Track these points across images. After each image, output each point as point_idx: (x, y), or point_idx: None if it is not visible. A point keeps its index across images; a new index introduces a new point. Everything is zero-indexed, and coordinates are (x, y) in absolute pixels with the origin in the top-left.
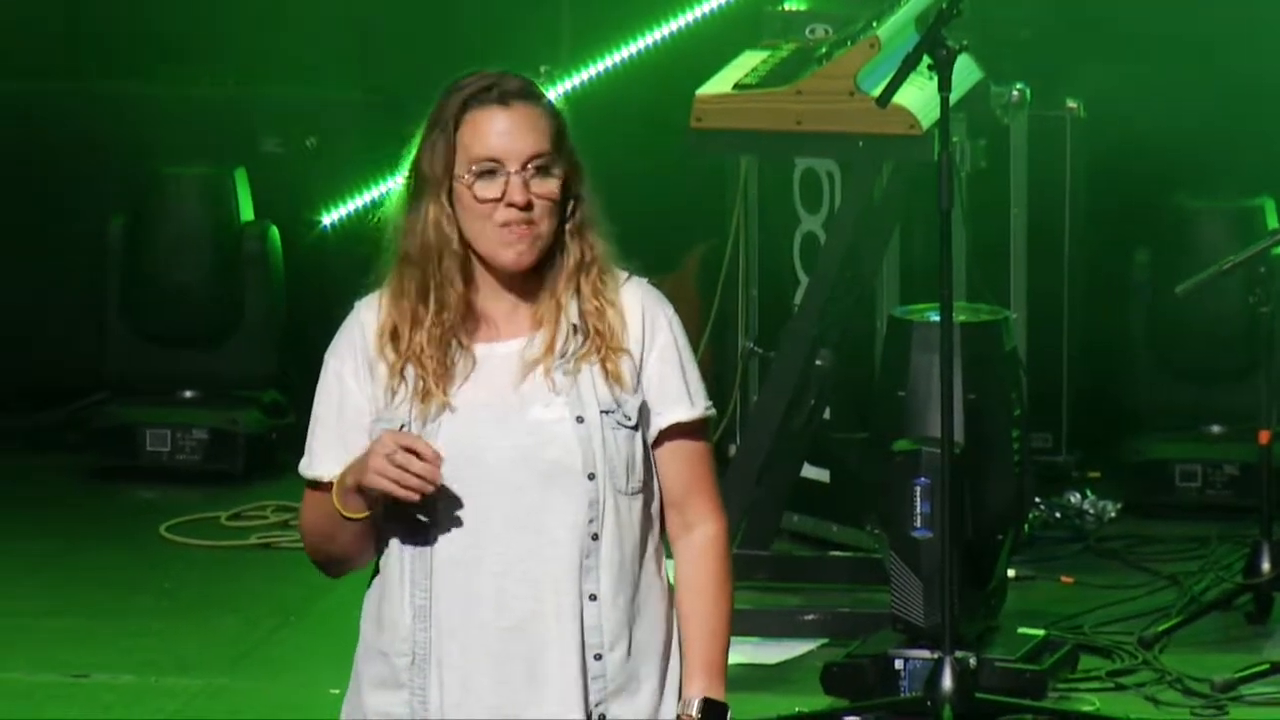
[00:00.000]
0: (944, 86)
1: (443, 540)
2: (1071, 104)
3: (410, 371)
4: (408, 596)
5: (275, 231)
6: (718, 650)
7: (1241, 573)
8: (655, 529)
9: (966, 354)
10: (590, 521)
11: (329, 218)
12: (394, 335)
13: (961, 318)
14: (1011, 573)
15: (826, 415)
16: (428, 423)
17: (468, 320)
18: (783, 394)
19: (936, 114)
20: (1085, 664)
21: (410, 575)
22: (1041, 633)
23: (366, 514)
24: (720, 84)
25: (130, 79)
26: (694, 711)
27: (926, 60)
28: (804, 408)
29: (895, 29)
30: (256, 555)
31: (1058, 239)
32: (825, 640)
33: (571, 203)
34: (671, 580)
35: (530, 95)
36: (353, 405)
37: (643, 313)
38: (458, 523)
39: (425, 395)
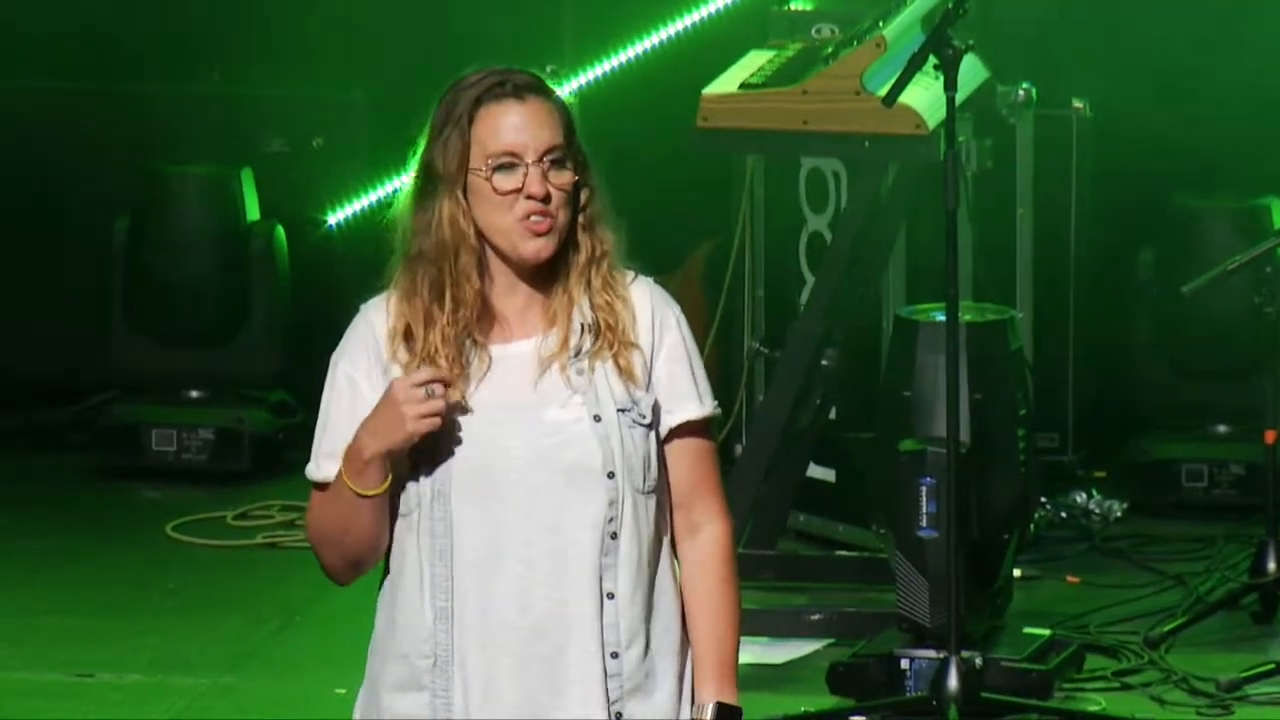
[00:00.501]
0: (950, 86)
1: (463, 541)
2: (1078, 104)
3: None
4: (428, 598)
5: (281, 231)
6: (728, 653)
7: (1247, 572)
8: (666, 527)
9: (972, 354)
10: (610, 520)
11: (335, 217)
12: (407, 335)
13: (967, 317)
14: (1017, 572)
15: (832, 415)
16: (445, 424)
17: (481, 318)
18: (788, 393)
19: (942, 114)
20: (1091, 664)
21: (430, 577)
22: (1047, 632)
23: (385, 486)
24: (726, 83)
25: (136, 79)
26: (708, 716)
27: (932, 60)
28: (810, 407)
29: (901, 29)
30: (262, 555)
31: (1064, 239)
32: (831, 640)
33: (582, 196)
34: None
35: (541, 89)
36: (365, 409)
37: (652, 311)
38: (478, 523)
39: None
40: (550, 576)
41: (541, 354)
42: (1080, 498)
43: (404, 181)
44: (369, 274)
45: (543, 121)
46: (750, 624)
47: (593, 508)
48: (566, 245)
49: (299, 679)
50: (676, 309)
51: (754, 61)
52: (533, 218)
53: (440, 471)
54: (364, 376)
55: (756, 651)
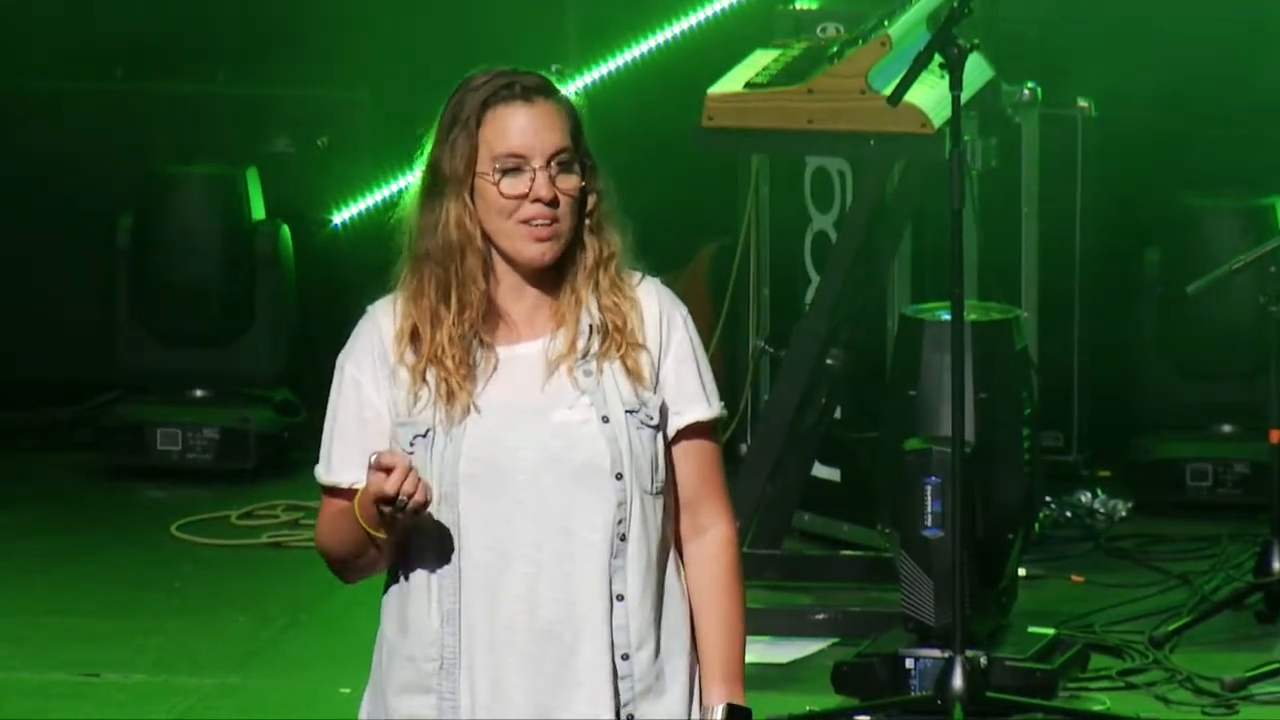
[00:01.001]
0: (955, 85)
1: (471, 543)
2: (1083, 103)
3: (432, 374)
4: (435, 600)
5: (287, 231)
6: (736, 655)
7: (1252, 572)
8: (673, 529)
9: (977, 353)
10: (619, 522)
11: (340, 217)
12: (414, 337)
13: (972, 316)
14: (1022, 572)
15: (837, 414)
16: (453, 426)
17: (488, 319)
18: (794, 393)
19: (948, 113)
20: (1096, 663)
21: (437, 579)
22: (1052, 632)
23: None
24: (731, 83)
25: (141, 78)
26: (718, 717)
27: (938, 59)
28: (815, 406)
29: (906, 28)
30: (267, 554)
31: (1069, 238)
32: (836, 639)
33: (590, 199)
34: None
35: (549, 91)
36: (373, 412)
37: (659, 312)
38: (486, 525)
39: (449, 397)
40: (559, 578)
41: (549, 355)
42: (1085, 497)
43: (410, 181)
44: (375, 273)
45: (550, 124)
46: (755, 623)
47: (602, 509)
48: (574, 247)
49: (304, 678)
50: (683, 310)
51: (759, 61)
52: (538, 222)
53: (448, 473)
54: (369, 379)
55: (761, 651)
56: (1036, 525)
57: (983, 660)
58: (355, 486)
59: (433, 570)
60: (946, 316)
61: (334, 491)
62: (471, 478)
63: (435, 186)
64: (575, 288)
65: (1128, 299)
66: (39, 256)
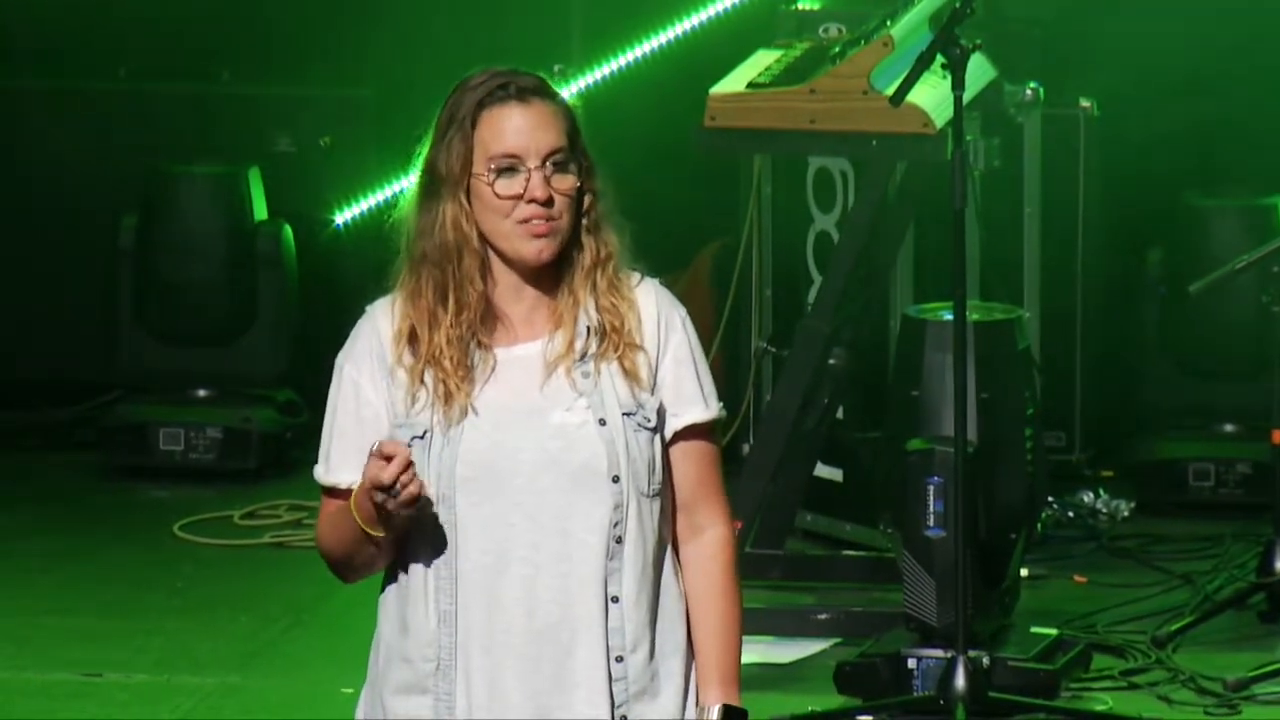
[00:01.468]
0: (957, 85)
1: (468, 545)
2: (1085, 103)
3: (430, 375)
4: (432, 601)
5: (289, 230)
6: (732, 657)
7: (1255, 572)
8: (670, 531)
9: (980, 353)
10: (615, 524)
11: (342, 216)
12: (412, 338)
13: (975, 316)
14: (1024, 572)
15: (840, 414)
16: (451, 427)
17: (486, 321)
18: (796, 393)
19: (950, 113)
20: (1098, 663)
21: (435, 580)
22: (1054, 632)
23: (394, 533)
24: (734, 83)
25: (143, 78)
26: (714, 718)
27: (940, 59)
28: (817, 407)
29: (909, 28)
30: (270, 554)
31: (1071, 238)
32: (838, 639)
33: (587, 199)
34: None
35: (545, 92)
36: (371, 412)
37: (657, 313)
38: (483, 527)
39: (447, 398)
40: (555, 580)
41: (547, 357)
42: (1087, 497)
43: (409, 182)
44: (376, 273)
45: (546, 124)
46: (757, 623)
47: (598, 511)
48: (571, 247)
49: (306, 678)
50: (682, 311)
51: (761, 61)
52: (534, 221)
53: (446, 475)
54: (368, 380)
55: (763, 651)
56: (1039, 525)
57: (985, 660)
58: (354, 486)
59: (430, 571)
60: (949, 316)
61: (333, 491)
62: (469, 479)
63: (432, 187)
64: (573, 289)
65: (1130, 299)
66: (41, 256)
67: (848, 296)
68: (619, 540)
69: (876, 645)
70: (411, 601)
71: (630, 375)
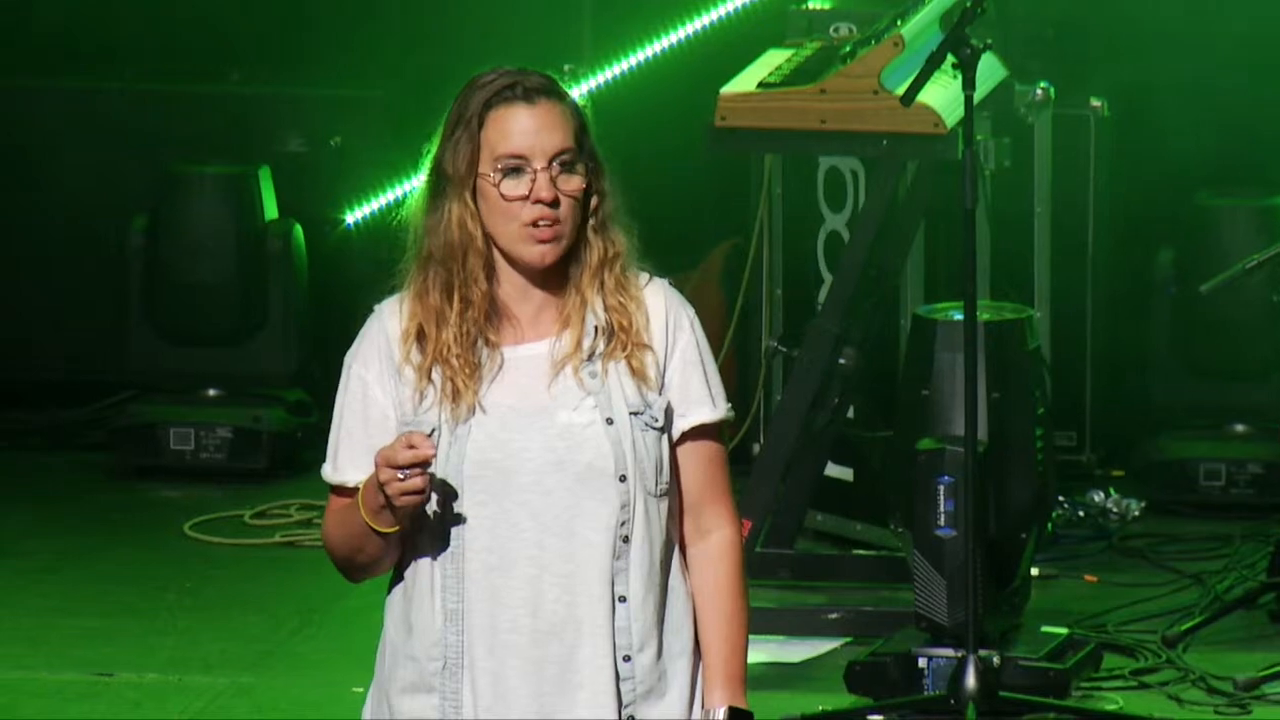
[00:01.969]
0: (968, 85)
1: (474, 544)
2: (1095, 102)
3: (438, 374)
4: (439, 601)
5: (299, 230)
6: (738, 658)
7: (1265, 571)
8: (677, 530)
9: (990, 352)
10: (622, 524)
11: (353, 216)
12: (420, 336)
13: (985, 316)
14: (1035, 571)
15: (850, 413)
16: (458, 425)
17: (495, 320)
18: (806, 392)
19: (960, 113)
20: (1109, 663)
21: (441, 579)
22: (1065, 631)
23: (398, 528)
24: (744, 82)
25: (154, 78)
26: (720, 718)
27: (950, 59)
28: (827, 406)
29: (919, 28)
30: (280, 554)
31: (1081, 237)
32: (849, 639)
33: (594, 199)
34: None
35: (553, 92)
36: (379, 412)
37: (666, 313)
38: (489, 526)
39: (455, 396)
40: (562, 580)
41: (555, 356)
42: (1098, 496)
43: (417, 181)
44: (387, 273)
45: (553, 125)
46: (768, 622)
47: (605, 511)
48: (579, 247)
49: (317, 678)
50: (690, 311)
51: (772, 60)
52: (540, 223)
53: (453, 473)
54: (376, 379)
55: (773, 650)
56: (1049, 525)
57: (996, 660)
58: (360, 486)
59: (436, 570)
60: (959, 316)
61: (340, 490)
62: (475, 478)
63: (439, 186)
64: (580, 288)
65: (1141, 299)
66: (51, 256)
67: (858, 296)
68: (626, 540)
69: (887, 645)
70: (418, 601)
71: (638, 375)
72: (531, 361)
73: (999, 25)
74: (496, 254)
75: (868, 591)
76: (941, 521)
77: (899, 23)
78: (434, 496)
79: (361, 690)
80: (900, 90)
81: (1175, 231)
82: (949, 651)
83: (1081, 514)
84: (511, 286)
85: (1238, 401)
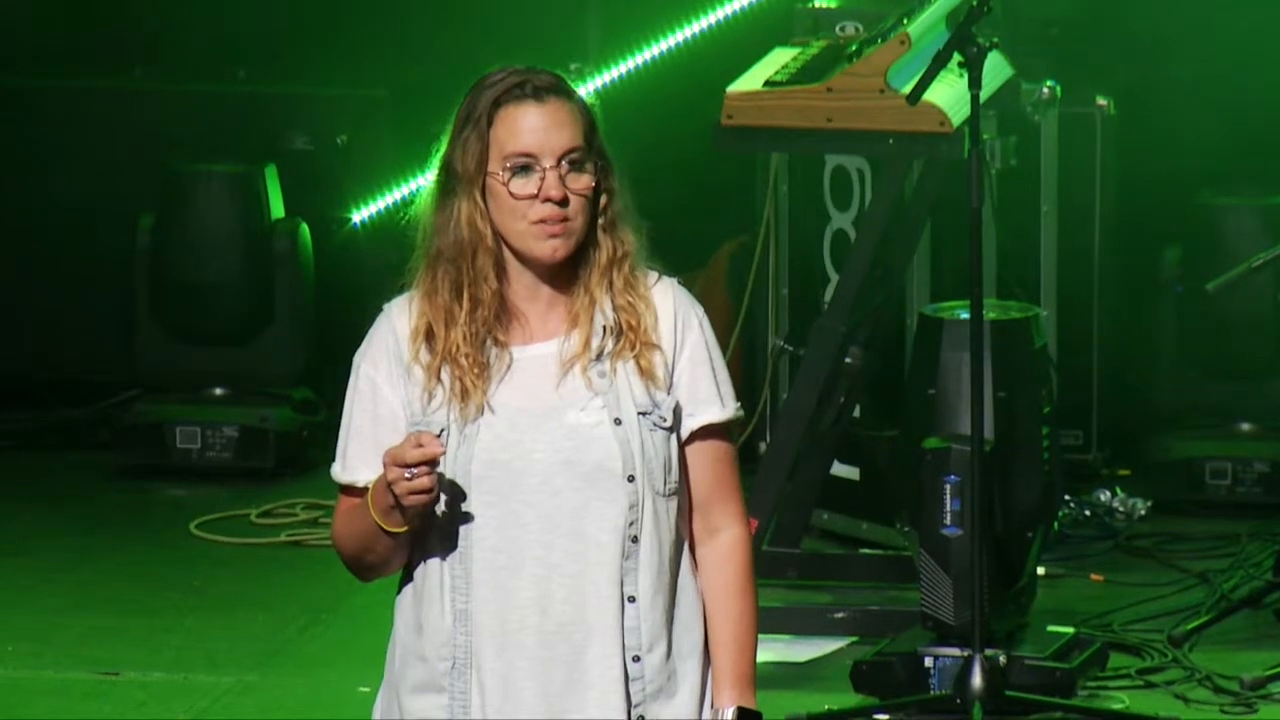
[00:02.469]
0: (974, 84)
1: (482, 544)
2: (1102, 101)
3: (447, 373)
4: (448, 601)
5: (306, 229)
6: (747, 658)
7: (1271, 570)
8: (686, 530)
9: (996, 351)
10: (631, 524)
11: (360, 215)
12: (429, 335)
13: (991, 315)
14: (1041, 570)
15: (856, 412)
16: (467, 425)
17: (503, 320)
18: (812, 391)
19: (967, 111)
20: (1115, 662)
21: (450, 579)
22: (1071, 630)
23: (407, 528)
24: (750, 81)
25: (160, 77)
26: (729, 718)
27: (957, 57)
28: (834, 405)
29: (925, 26)
30: (287, 553)
31: (1088, 236)
32: (855, 638)
33: (603, 198)
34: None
35: (562, 90)
36: (388, 411)
37: (675, 312)
38: (498, 526)
39: (464, 395)
40: (570, 580)
41: (563, 356)
42: (1104, 496)
43: (426, 180)
44: (393, 272)
45: (562, 123)
46: (774, 622)
47: (613, 511)
48: (588, 246)
49: (324, 677)
50: (699, 310)
51: (778, 59)
52: (548, 221)
53: (461, 473)
54: (385, 378)
55: (780, 649)
56: (1055, 524)
57: (1002, 659)
58: (370, 485)
59: (445, 570)
60: (965, 315)
61: (350, 490)
62: (484, 478)
63: (448, 185)
64: (589, 287)
65: (1147, 297)
66: (58, 255)
67: (864, 295)
68: (634, 540)
69: (893, 644)
70: (427, 601)
71: (646, 374)
72: (540, 361)
73: (1005, 24)
74: (506, 253)
75: (874, 591)
76: (948, 521)
77: (905, 21)
78: (442, 496)
79: (368, 690)
80: (906, 89)
81: (1182, 230)
82: (955, 651)
83: (1088, 513)
84: (520, 286)
85: (1244, 400)
